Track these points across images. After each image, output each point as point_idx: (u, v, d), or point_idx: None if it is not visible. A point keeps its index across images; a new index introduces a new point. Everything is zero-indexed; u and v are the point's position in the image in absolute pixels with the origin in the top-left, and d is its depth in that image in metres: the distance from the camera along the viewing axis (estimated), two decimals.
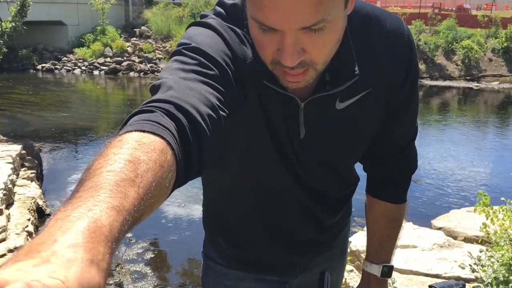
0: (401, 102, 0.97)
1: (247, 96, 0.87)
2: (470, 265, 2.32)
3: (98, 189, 0.46)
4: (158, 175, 0.54)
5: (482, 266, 2.21)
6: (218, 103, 0.73)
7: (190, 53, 0.78)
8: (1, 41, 13.65)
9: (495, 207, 2.57)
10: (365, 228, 1.22)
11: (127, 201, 0.47)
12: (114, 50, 19.45)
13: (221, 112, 0.73)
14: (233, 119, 0.82)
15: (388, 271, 1.19)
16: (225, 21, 0.86)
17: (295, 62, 0.73)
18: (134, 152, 0.54)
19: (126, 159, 0.52)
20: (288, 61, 0.73)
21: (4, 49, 14.04)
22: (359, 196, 1.22)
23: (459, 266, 2.36)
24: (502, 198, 2.63)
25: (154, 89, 0.73)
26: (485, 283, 2.12)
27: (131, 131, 0.58)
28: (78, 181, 0.50)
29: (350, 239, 3.52)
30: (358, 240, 3.26)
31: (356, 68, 0.86)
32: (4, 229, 4.04)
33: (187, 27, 0.88)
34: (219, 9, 0.89)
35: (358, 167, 1.14)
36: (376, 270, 1.18)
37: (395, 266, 3.35)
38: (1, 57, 14.03)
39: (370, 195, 1.17)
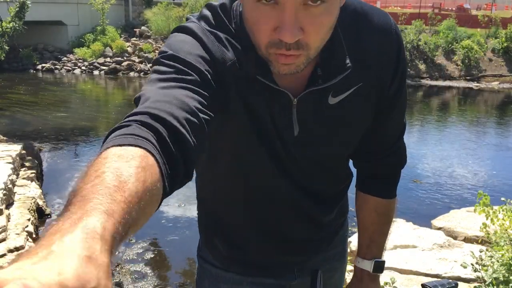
0: (391, 97, 0.98)
1: (233, 96, 0.87)
2: (472, 264, 2.32)
3: (86, 201, 0.48)
4: (141, 179, 0.55)
5: (484, 265, 2.21)
6: (199, 106, 0.74)
7: (167, 62, 0.79)
8: (3, 40, 13.68)
9: (495, 207, 2.57)
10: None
11: (115, 205, 0.48)
12: (114, 50, 19.44)
13: (202, 115, 0.74)
14: (220, 121, 0.83)
15: (380, 266, 1.18)
16: (209, 24, 0.87)
17: (294, 38, 0.74)
18: (114, 164, 0.55)
19: (107, 171, 0.53)
20: (288, 36, 0.73)
21: (6, 46, 14.08)
22: (352, 194, 1.22)
23: (461, 265, 2.35)
24: (503, 198, 2.63)
25: (136, 102, 0.75)
26: (487, 283, 2.11)
27: (109, 147, 0.59)
28: (66, 203, 0.51)
29: (350, 239, 3.52)
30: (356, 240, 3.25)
31: (348, 61, 0.87)
32: (4, 229, 4.04)
33: (171, 33, 0.90)
34: (205, 12, 0.90)
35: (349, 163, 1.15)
36: (368, 265, 1.18)
37: (395, 266, 3.34)
38: (4, 55, 14.07)
39: (360, 191, 1.17)
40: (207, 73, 0.80)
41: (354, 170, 1.17)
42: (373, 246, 1.19)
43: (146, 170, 0.57)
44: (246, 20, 0.80)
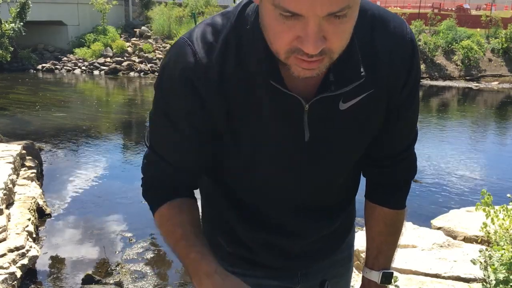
0: (401, 104, 0.97)
1: (239, 105, 0.88)
2: (480, 262, 2.30)
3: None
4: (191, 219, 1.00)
5: (493, 265, 2.20)
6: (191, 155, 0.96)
7: (162, 123, 0.95)
8: (7, 41, 13.66)
9: (496, 207, 2.57)
10: (364, 228, 1.22)
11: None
12: (114, 50, 19.42)
13: (197, 157, 0.98)
14: (227, 131, 0.90)
15: (387, 277, 1.17)
16: (209, 40, 0.88)
17: (317, 50, 0.73)
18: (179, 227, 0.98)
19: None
20: (312, 48, 0.72)
21: (11, 47, 14.07)
22: (360, 196, 1.22)
23: (471, 261, 2.34)
24: (508, 195, 2.62)
25: (148, 146, 1.02)
26: (493, 284, 2.10)
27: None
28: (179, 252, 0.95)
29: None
30: (357, 240, 3.25)
31: (362, 69, 0.86)
32: (4, 229, 4.04)
33: (166, 56, 0.94)
34: (214, 20, 0.91)
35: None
36: (375, 276, 1.16)
37: (394, 266, 3.34)
38: (9, 56, 14.03)
39: (369, 200, 1.16)
40: (196, 120, 0.91)
41: (363, 179, 1.16)
42: (381, 257, 1.17)
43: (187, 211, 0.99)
44: (264, 27, 0.79)
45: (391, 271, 1.19)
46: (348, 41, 0.79)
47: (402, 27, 0.93)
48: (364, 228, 1.22)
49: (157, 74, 0.98)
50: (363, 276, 1.21)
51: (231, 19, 0.89)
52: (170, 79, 0.91)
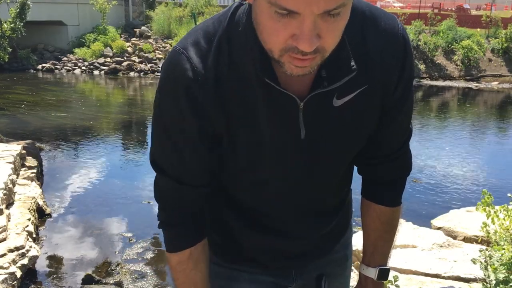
0: (395, 102, 0.97)
1: (235, 108, 0.89)
2: (481, 262, 2.31)
3: None
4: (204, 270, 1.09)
5: (493, 265, 2.19)
6: (197, 167, 0.97)
7: (164, 136, 0.96)
8: (6, 42, 13.68)
9: (497, 207, 2.57)
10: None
11: None
12: (114, 50, 19.42)
13: (205, 167, 0.98)
14: (227, 134, 0.91)
15: (384, 274, 1.18)
16: (203, 48, 0.88)
17: (313, 47, 0.74)
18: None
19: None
20: (307, 46, 0.73)
21: (9, 48, 14.09)
22: (359, 196, 1.22)
23: (471, 260, 2.34)
24: (509, 194, 2.61)
25: (155, 168, 1.01)
26: (493, 284, 2.10)
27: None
28: None
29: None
30: (356, 240, 3.25)
31: (353, 63, 0.86)
32: (4, 229, 4.04)
33: (163, 67, 0.94)
34: (206, 25, 0.92)
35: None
36: (372, 273, 1.17)
37: (394, 266, 3.33)
38: (7, 57, 14.05)
39: (364, 198, 1.17)
40: (198, 129, 0.91)
41: (358, 177, 1.16)
42: (377, 253, 1.18)
43: (200, 260, 1.07)
44: (258, 26, 0.79)
45: (388, 267, 1.19)
46: (340, 38, 0.80)
47: (393, 25, 0.93)
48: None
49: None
50: (360, 273, 1.22)
51: (223, 22, 0.90)
52: (168, 90, 0.91)
